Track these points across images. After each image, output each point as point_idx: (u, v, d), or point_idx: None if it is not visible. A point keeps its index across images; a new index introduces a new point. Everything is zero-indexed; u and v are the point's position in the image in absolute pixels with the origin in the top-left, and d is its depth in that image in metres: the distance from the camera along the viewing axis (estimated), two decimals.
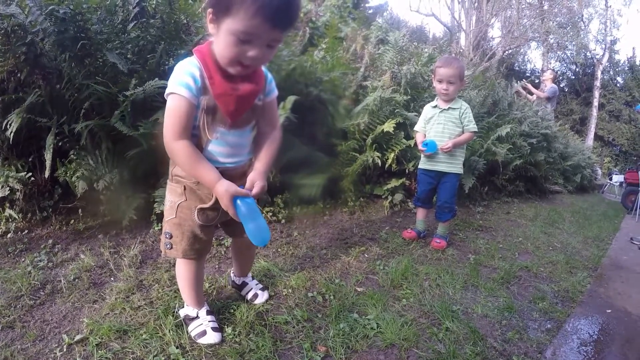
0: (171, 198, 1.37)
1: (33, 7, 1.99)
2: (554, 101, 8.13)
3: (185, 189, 1.33)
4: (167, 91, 1.18)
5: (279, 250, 2.28)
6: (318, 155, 2.85)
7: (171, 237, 1.38)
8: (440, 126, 2.57)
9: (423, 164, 2.67)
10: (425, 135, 2.65)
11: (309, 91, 2.79)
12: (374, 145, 3.13)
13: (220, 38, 1.12)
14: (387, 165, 3.16)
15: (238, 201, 1.18)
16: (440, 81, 2.51)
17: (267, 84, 1.33)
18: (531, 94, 7.68)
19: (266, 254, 2.21)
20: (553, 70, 8.94)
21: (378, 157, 3.03)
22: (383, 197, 3.35)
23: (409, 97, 3.43)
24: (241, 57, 1.12)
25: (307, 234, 2.59)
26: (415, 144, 2.71)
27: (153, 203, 2.24)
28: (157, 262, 1.99)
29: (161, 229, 2.25)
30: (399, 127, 3.18)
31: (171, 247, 1.39)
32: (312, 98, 2.82)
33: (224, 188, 1.18)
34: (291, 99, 2.38)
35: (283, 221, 2.69)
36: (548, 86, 7.91)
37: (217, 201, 1.27)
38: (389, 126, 2.97)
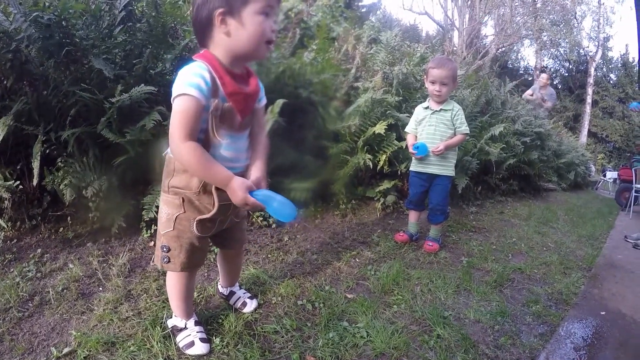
0: (168, 210, 1.33)
1: (17, 14, 1.96)
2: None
3: (183, 200, 1.31)
4: (174, 94, 1.17)
5: (269, 256, 2.25)
6: (308, 158, 2.83)
7: (169, 250, 1.35)
8: (432, 128, 2.54)
9: (415, 166, 2.65)
10: (416, 136, 2.63)
11: (298, 93, 2.76)
12: (365, 148, 3.11)
13: (247, 25, 1.18)
14: (379, 167, 3.14)
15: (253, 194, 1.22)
16: (433, 82, 2.48)
17: (260, 91, 1.39)
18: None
19: (256, 260, 2.19)
20: (550, 73, 8.97)
21: (370, 159, 3.00)
22: (375, 199, 3.32)
23: (400, 98, 3.40)
24: (268, 34, 1.21)
25: (298, 238, 2.57)
26: (407, 146, 2.69)
27: (142, 210, 2.22)
28: (145, 271, 1.97)
29: (150, 237, 2.25)
30: (391, 129, 3.16)
31: (168, 261, 1.36)
32: (302, 100, 2.80)
33: (239, 182, 1.19)
34: (279, 102, 2.36)
35: (274, 226, 2.66)
36: (547, 91, 7.88)
37: (216, 212, 1.29)
38: (380, 128, 2.94)
